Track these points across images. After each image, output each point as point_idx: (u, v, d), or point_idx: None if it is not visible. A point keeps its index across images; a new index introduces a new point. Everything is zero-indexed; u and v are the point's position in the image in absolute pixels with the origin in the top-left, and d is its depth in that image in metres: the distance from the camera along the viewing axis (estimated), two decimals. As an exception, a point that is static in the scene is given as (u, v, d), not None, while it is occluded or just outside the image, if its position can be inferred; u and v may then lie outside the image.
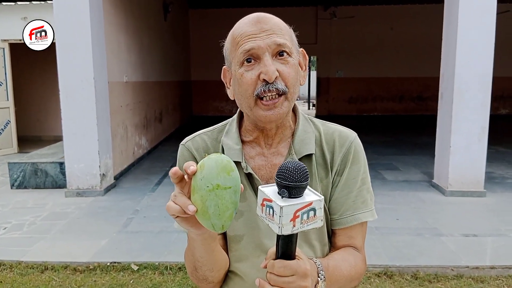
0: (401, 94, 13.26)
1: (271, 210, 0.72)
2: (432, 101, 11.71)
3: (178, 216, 0.75)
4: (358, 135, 1.07)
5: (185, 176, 0.75)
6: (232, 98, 1.00)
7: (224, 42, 1.00)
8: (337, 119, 10.99)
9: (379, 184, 5.25)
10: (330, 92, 13.28)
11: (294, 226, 0.71)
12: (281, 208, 0.70)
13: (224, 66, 1.01)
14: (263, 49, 0.89)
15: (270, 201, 0.73)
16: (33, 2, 7.63)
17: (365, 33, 12.56)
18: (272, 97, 0.90)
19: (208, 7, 12.50)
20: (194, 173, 0.72)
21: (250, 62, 0.91)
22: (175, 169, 0.74)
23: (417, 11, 12.25)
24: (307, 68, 1.02)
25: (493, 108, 5.05)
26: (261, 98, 0.91)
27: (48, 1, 7.28)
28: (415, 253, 3.33)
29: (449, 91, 4.77)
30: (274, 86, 0.90)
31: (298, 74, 0.95)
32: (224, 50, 0.99)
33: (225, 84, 1.02)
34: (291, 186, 0.71)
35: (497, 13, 4.56)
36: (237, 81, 0.94)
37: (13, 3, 7.74)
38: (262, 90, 0.90)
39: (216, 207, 0.71)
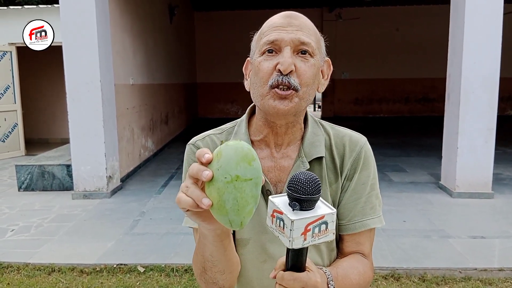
0: (407, 96, 13.20)
1: (281, 222, 0.70)
2: (438, 103, 11.66)
3: (189, 210, 0.68)
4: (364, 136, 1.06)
5: None
6: (247, 90, 1.00)
7: (255, 33, 1.00)
8: (342, 120, 10.95)
9: (386, 186, 5.23)
10: (336, 93, 13.25)
11: (305, 240, 0.69)
12: (292, 222, 0.67)
13: (248, 58, 1.01)
14: (286, 42, 0.89)
15: (281, 213, 0.70)
16: (40, 6, 7.69)
17: (371, 35, 12.53)
18: (284, 89, 0.90)
19: (213, 10, 12.55)
20: (209, 162, 0.65)
21: (271, 53, 0.91)
22: (205, 151, 0.66)
23: (423, 12, 12.20)
24: (329, 77, 1.01)
25: (500, 109, 5.02)
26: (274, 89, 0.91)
27: (55, 5, 7.33)
28: (422, 255, 3.31)
29: (455, 92, 4.74)
30: (287, 79, 0.89)
31: (316, 78, 0.94)
32: (252, 42, 1.00)
33: (244, 75, 1.02)
34: (302, 198, 0.69)
35: (504, 14, 4.53)
36: (255, 69, 0.94)
37: (20, 7, 7.81)
38: (276, 80, 0.89)
39: (234, 201, 0.63)
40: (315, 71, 0.93)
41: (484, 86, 4.59)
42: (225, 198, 0.63)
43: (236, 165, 0.63)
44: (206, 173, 0.64)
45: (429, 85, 12.71)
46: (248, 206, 0.65)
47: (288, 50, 0.89)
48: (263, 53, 0.92)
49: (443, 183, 5.09)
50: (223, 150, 0.64)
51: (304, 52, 0.90)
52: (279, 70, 0.89)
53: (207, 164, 0.65)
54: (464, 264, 3.14)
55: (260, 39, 0.94)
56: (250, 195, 0.64)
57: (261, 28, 0.96)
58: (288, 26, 0.90)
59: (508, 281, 2.95)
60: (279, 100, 0.90)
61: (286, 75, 0.89)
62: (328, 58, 1.01)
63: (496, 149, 4.75)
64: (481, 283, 2.93)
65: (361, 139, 1.04)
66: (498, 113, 4.66)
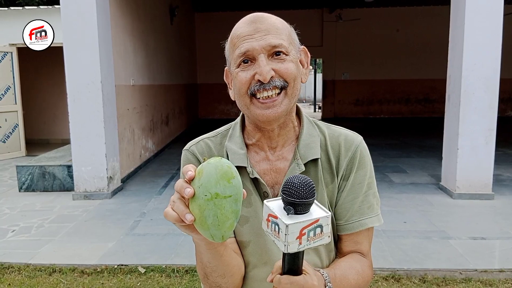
0: (408, 96, 13.21)
1: (276, 227, 0.70)
2: (439, 103, 11.66)
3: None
4: (364, 137, 1.05)
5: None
6: (233, 99, 1.00)
7: (225, 43, 1.00)
8: (343, 121, 10.93)
9: (386, 187, 5.22)
10: (336, 94, 13.25)
11: (300, 244, 0.69)
12: (287, 226, 0.67)
13: (225, 68, 1.01)
14: (258, 50, 0.89)
15: (276, 217, 0.70)
16: (41, 7, 7.70)
17: (371, 35, 12.53)
18: (269, 96, 0.90)
19: (213, 11, 12.56)
20: (192, 179, 0.68)
21: (246, 63, 0.91)
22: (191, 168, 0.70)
23: (423, 12, 12.21)
24: (309, 65, 1.01)
25: (500, 110, 5.02)
26: (257, 98, 0.91)
27: (56, 6, 7.34)
28: (422, 256, 3.31)
29: (456, 93, 4.74)
30: (272, 85, 0.89)
31: (298, 70, 0.94)
32: (225, 52, 1.00)
33: (228, 85, 1.02)
34: (297, 202, 0.69)
35: (504, 15, 4.53)
36: (234, 80, 0.94)
37: (20, 8, 7.83)
38: (256, 88, 0.90)
39: (215, 217, 0.66)
40: (295, 65, 0.93)
41: (485, 87, 4.59)
42: (206, 215, 0.67)
43: (215, 183, 0.66)
44: (188, 191, 0.67)
45: (430, 86, 12.72)
46: (228, 221, 0.68)
47: (262, 58, 0.89)
48: (239, 64, 0.92)
49: (443, 184, 5.09)
50: (204, 168, 0.67)
51: (278, 53, 0.90)
52: (259, 80, 0.89)
53: (190, 181, 0.68)
54: (465, 265, 3.14)
55: (233, 51, 0.93)
56: (230, 211, 0.67)
57: (230, 37, 0.96)
58: (255, 33, 0.90)
59: (508, 282, 2.95)
60: (265, 109, 0.91)
61: (268, 82, 0.89)
62: (303, 47, 1.00)
63: (496, 150, 4.75)
64: (482, 284, 2.93)
65: (357, 138, 1.03)
66: (498, 114, 4.67)
